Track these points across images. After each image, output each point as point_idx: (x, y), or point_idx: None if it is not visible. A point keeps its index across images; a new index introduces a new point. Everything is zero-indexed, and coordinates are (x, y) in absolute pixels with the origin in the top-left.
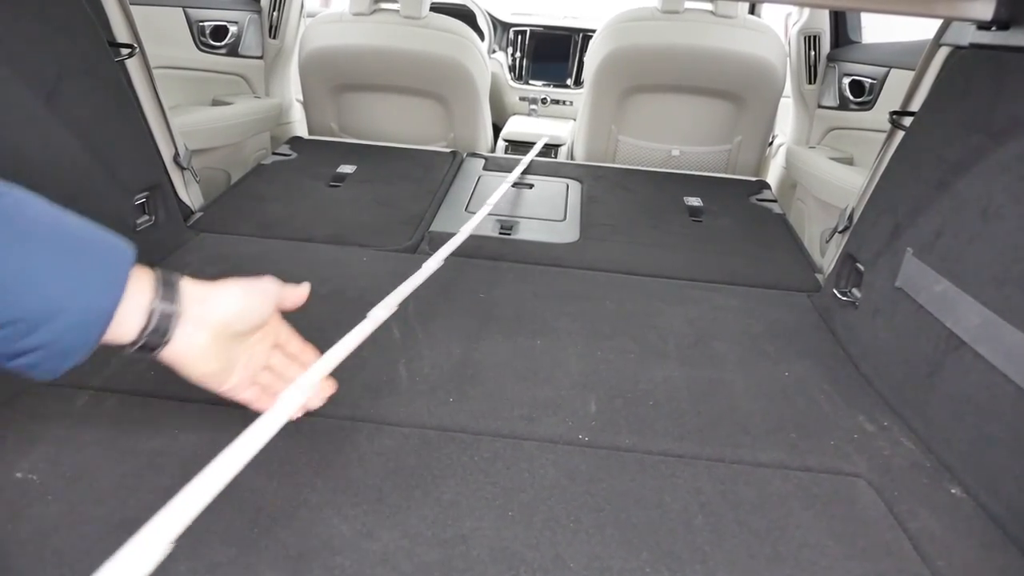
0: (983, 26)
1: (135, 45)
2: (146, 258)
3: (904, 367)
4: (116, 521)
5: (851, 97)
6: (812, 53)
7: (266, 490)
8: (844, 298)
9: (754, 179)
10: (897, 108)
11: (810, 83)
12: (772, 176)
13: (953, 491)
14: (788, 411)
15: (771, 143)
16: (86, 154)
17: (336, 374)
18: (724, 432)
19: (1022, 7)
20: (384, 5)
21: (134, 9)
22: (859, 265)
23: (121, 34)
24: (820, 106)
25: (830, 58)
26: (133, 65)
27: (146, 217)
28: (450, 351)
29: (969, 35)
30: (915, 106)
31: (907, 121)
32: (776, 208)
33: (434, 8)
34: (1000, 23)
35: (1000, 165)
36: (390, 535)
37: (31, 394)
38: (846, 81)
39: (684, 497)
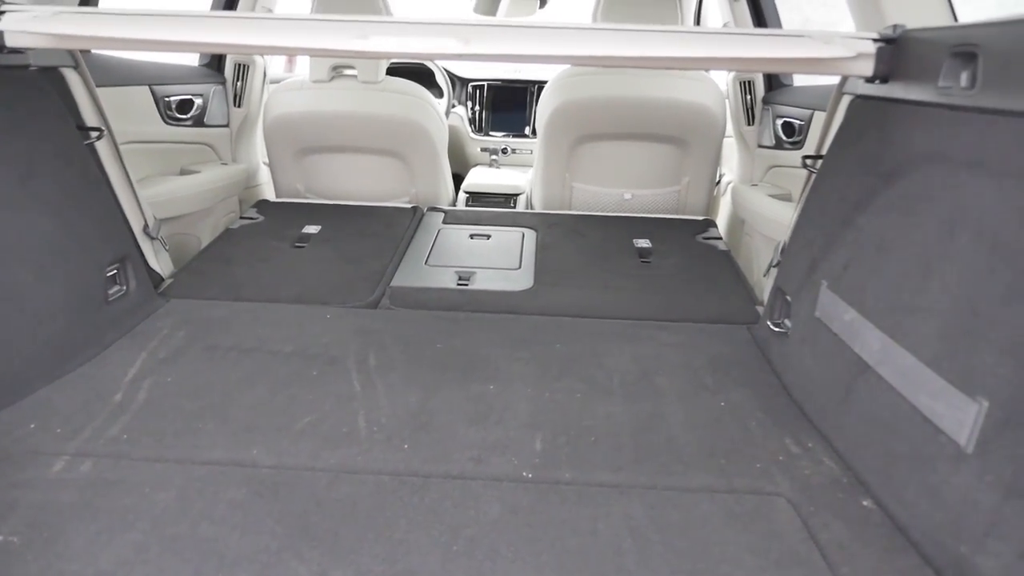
0: (869, 79)
1: (102, 128)
2: (118, 327)
3: (825, 391)
4: (90, 574)
5: (783, 137)
6: (748, 97)
7: (229, 538)
8: (777, 329)
9: (701, 218)
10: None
11: (749, 124)
12: (722, 213)
13: (865, 503)
14: (720, 438)
15: (719, 182)
16: (58, 231)
17: (299, 426)
18: (659, 461)
19: (896, 65)
20: (343, 71)
21: (102, 90)
22: (788, 297)
23: (89, 118)
24: (760, 146)
25: (765, 101)
26: (102, 146)
27: (117, 287)
28: (407, 401)
29: (861, 86)
30: (824, 149)
31: (819, 163)
32: (721, 245)
33: (393, 68)
34: (881, 78)
35: (889, 203)
36: (343, 573)
37: (10, 461)
38: (779, 122)
39: (616, 524)
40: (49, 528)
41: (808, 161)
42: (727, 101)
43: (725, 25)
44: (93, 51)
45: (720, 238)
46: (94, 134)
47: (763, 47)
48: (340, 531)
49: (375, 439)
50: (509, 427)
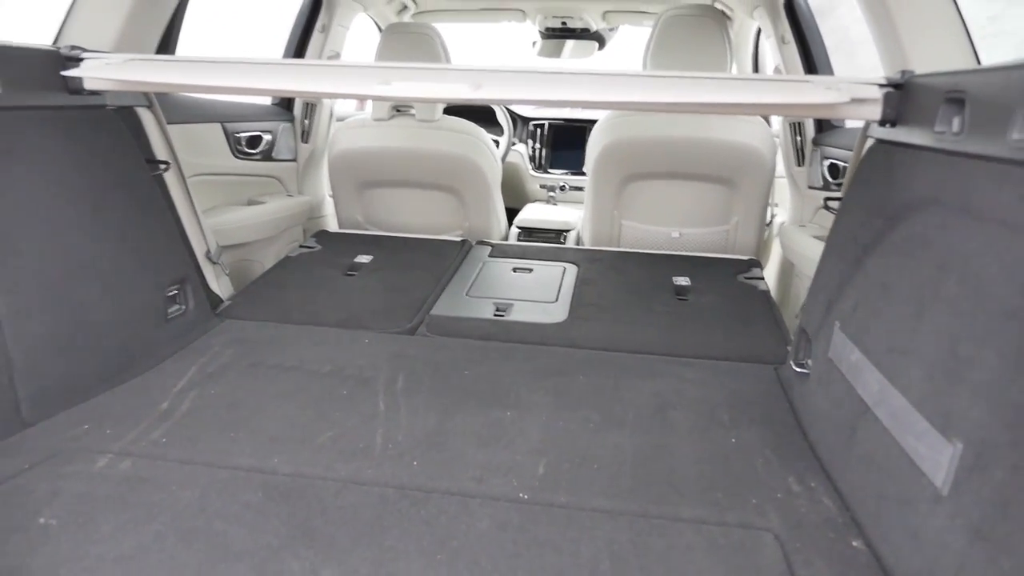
0: (881, 123)
1: (169, 161)
2: (175, 342)
3: (834, 432)
4: (111, 557)
5: (830, 178)
6: (798, 138)
7: (237, 534)
8: (799, 369)
9: (745, 258)
10: None
11: (799, 165)
12: (775, 254)
13: (855, 544)
14: (722, 473)
15: (770, 222)
16: (124, 254)
17: (320, 440)
18: (655, 491)
19: (903, 109)
20: (403, 110)
21: (176, 127)
22: (810, 338)
23: (159, 152)
24: (810, 187)
25: (814, 142)
26: (169, 177)
27: (177, 306)
28: (425, 422)
29: (877, 130)
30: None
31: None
32: (762, 285)
33: (456, 108)
34: (891, 122)
35: (893, 246)
36: (332, 572)
37: (61, 456)
38: (826, 164)
39: (598, 547)
40: (84, 515)
41: (831, 203)
42: (778, 142)
43: (776, 68)
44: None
45: (761, 278)
46: (162, 167)
47: (768, 92)
48: (337, 535)
49: (387, 455)
50: (516, 451)
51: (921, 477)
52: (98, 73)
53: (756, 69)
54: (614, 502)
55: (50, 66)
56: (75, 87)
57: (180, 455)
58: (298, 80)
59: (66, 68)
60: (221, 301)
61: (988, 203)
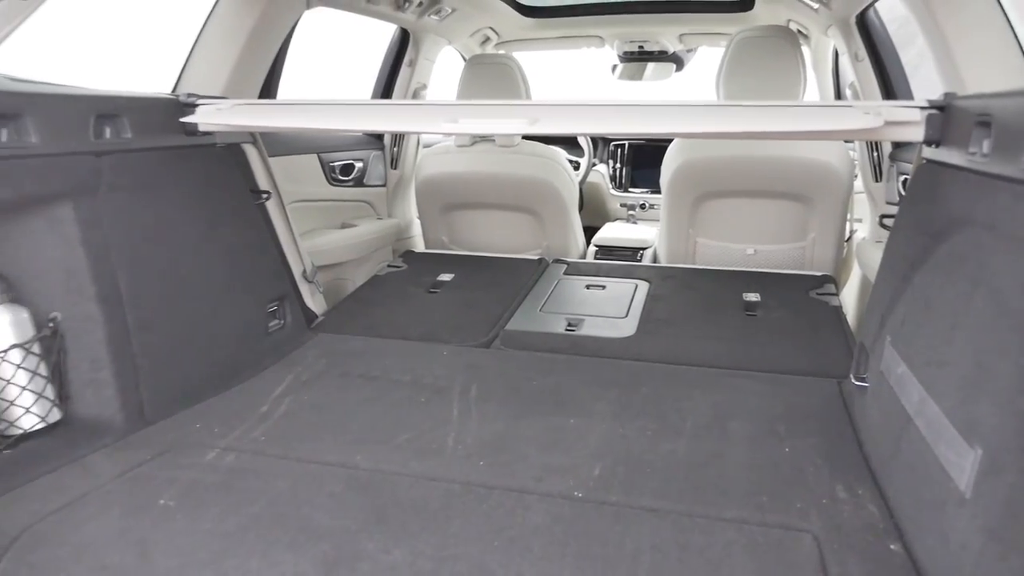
0: (927, 143)
1: (270, 191)
2: (274, 353)
3: (883, 442)
4: (219, 532)
5: (904, 194)
6: (875, 154)
7: (321, 518)
8: (859, 383)
9: (819, 274)
10: None
11: (876, 181)
12: (855, 270)
13: (893, 547)
14: (770, 479)
15: (849, 238)
16: (231, 274)
17: (398, 441)
18: (704, 494)
19: (946, 129)
20: (485, 137)
21: (277, 159)
22: (868, 353)
23: (262, 182)
24: (888, 202)
25: (891, 157)
26: (271, 205)
27: (276, 321)
28: (494, 427)
29: (927, 150)
30: None
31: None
32: (834, 301)
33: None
34: (935, 142)
35: (936, 262)
36: (401, 551)
37: (177, 449)
38: (901, 179)
39: (641, 540)
40: (195, 499)
41: (886, 221)
42: (855, 156)
43: (851, 84)
44: None
45: (834, 294)
46: (264, 196)
47: (810, 120)
48: (407, 522)
49: (457, 455)
50: (575, 455)
51: (950, 482)
52: (210, 118)
53: (837, 86)
54: (662, 502)
55: (171, 112)
56: (191, 129)
57: (276, 451)
58: (377, 120)
59: (184, 113)
60: (315, 316)
61: (1009, 221)
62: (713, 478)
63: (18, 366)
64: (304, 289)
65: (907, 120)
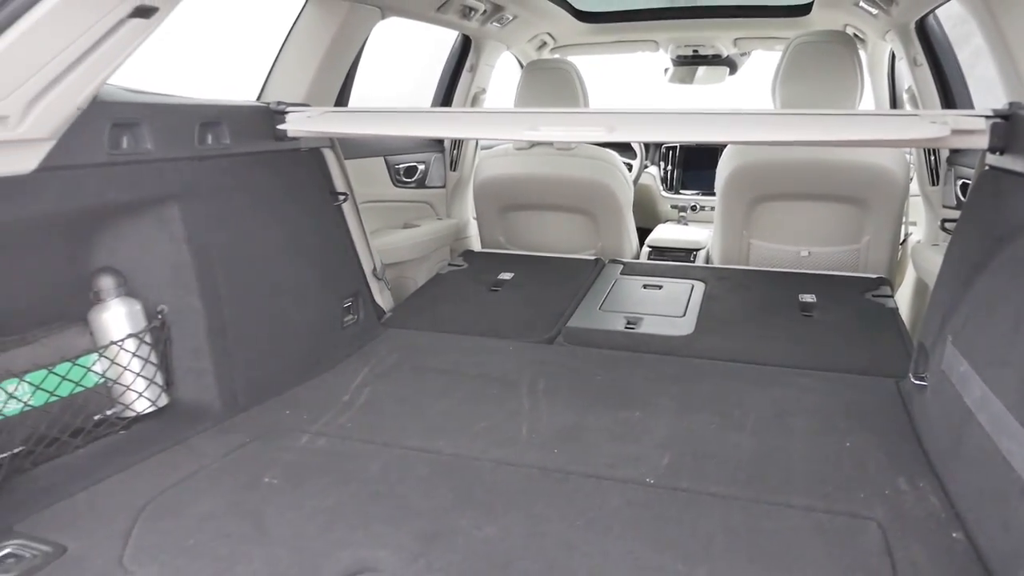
0: (991, 151)
1: (347, 192)
2: (350, 346)
3: (944, 437)
4: (322, 508)
5: (962, 198)
6: (932, 157)
7: (414, 497)
8: (918, 382)
9: (874, 276)
10: None
11: (933, 184)
12: (909, 272)
13: (955, 535)
14: (834, 471)
15: (904, 241)
16: (312, 272)
17: (475, 429)
18: (769, 483)
19: (1011, 137)
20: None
21: (350, 162)
22: (927, 352)
23: (339, 185)
24: (945, 206)
25: (949, 161)
26: (346, 206)
27: (351, 316)
28: (564, 418)
29: (990, 156)
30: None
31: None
32: (890, 303)
33: None
34: (1000, 150)
35: (1000, 265)
36: (492, 528)
37: (274, 434)
38: (959, 184)
39: (714, 523)
40: (297, 477)
41: (947, 224)
42: (911, 159)
43: (908, 88)
44: None
45: (890, 296)
46: (341, 197)
47: (878, 129)
48: (494, 503)
49: (532, 443)
50: (644, 445)
51: (1012, 472)
52: (300, 125)
53: (893, 90)
54: (730, 489)
55: (263, 119)
56: (280, 135)
57: (362, 436)
58: (457, 127)
59: (274, 120)
60: (383, 312)
61: None
62: (778, 469)
63: (133, 354)
64: (374, 286)
65: (972, 128)
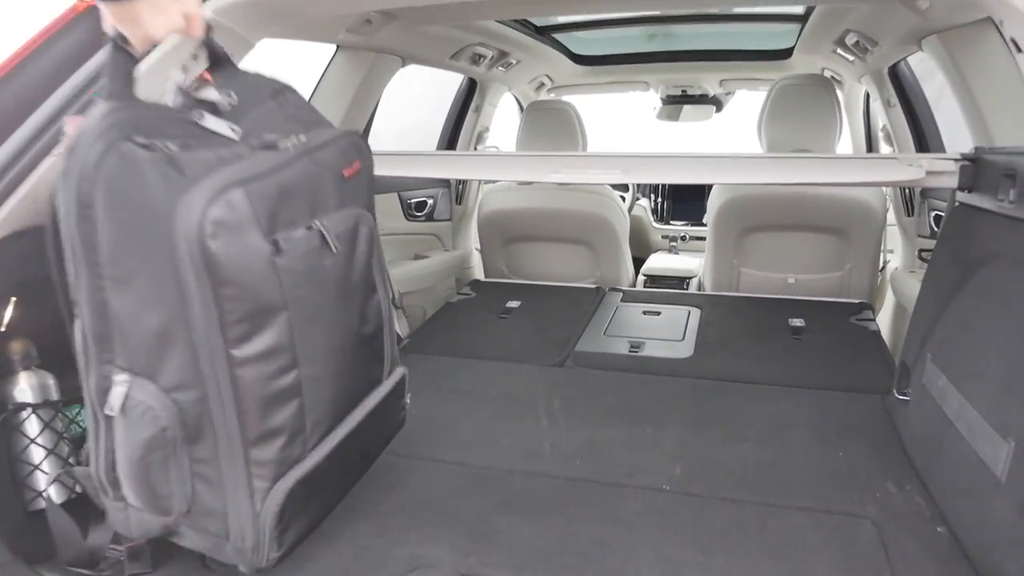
0: (960, 189)
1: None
2: None
3: (926, 445)
4: (374, 513)
5: (935, 228)
6: (907, 191)
7: (453, 502)
8: (901, 397)
9: (857, 301)
10: None
11: (908, 215)
12: (889, 297)
13: (939, 529)
14: (830, 477)
15: (883, 268)
16: None
17: (502, 444)
18: (773, 488)
19: (977, 179)
20: None
21: None
22: (909, 369)
23: None
24: (919, 235)
25: (923, 194)
26: None
27: None
28: (581, 434)
29: (960, 193)
30: None
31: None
32: (872, 326)
33: None
34: (968, 188)
35: (971, 290)
36: (530, 529)
37: None
38: (932, 215)
39: (727, 522)
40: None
41: (924, 254)
42: (888, 192)
43: (883, 127)
44: None
45: (872, 320)
46: None
47: (860, 172)
48: (529, 508)
49: (555, 456)
50: (657, 456)
51: (986, 471)
52: None
53: (868, 128)
54: (738, 493)
55: None
56: None
57: (400, 452)
58: (485, 169)
59: None
60: (401, 339)
61: None
62: (779, 476)
63: None
64: (393, 314)
65: (944, 170)
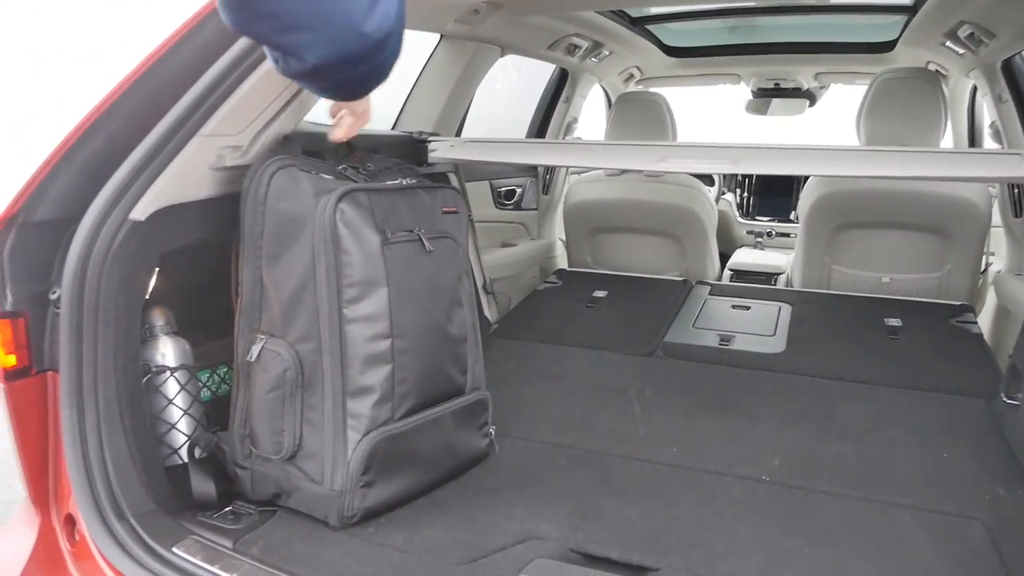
0: None
1: (469, 212)
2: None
3: None
4: (483, 488)
5: None
6: (1016, 190)
7: (557, 482)
8: (1010, 401)
9: (957, 303)
10: None
11: (1016, 216)
12: (989, 300)
13: None
14: (934, 477)
15: (984, 271)
16: None
17: (598, 429)
18: (876, 485)
19: None
20: None
21: (467, 185)
22: (1020, 374)
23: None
24: None
25: None
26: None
27: None
28: (676, 422)
29: None
30: None
31: None
32: (975, 329)
33: None
34: None
35: None
36: (633, 510)
37: None
38: None
39: (830, 516)
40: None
41: None
42: (994, 192)
43: (991, 124)
44: None
45: (974, 322)
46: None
47: (980, 167)
48: (628, 490)
49: (651, 442)
50: (754, 448)
51: None
52: (444, 153)
53: (972, 125)
54: (840, 488)
55: (409, 147)
56: (421, 160)
57: (500, 431)
58: (588, 157)
59: (417, 148)
60: (491, 324)
61: None
62: (881, 473)
63: None
64: (483, 299)
65: None
